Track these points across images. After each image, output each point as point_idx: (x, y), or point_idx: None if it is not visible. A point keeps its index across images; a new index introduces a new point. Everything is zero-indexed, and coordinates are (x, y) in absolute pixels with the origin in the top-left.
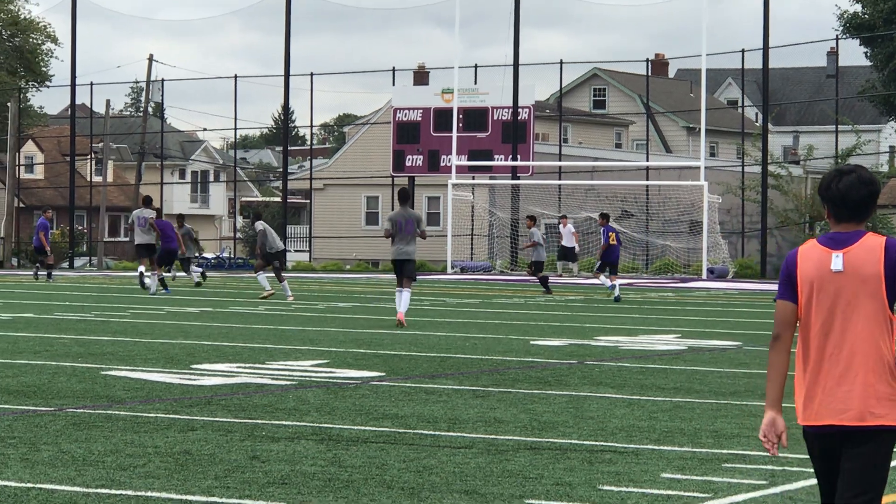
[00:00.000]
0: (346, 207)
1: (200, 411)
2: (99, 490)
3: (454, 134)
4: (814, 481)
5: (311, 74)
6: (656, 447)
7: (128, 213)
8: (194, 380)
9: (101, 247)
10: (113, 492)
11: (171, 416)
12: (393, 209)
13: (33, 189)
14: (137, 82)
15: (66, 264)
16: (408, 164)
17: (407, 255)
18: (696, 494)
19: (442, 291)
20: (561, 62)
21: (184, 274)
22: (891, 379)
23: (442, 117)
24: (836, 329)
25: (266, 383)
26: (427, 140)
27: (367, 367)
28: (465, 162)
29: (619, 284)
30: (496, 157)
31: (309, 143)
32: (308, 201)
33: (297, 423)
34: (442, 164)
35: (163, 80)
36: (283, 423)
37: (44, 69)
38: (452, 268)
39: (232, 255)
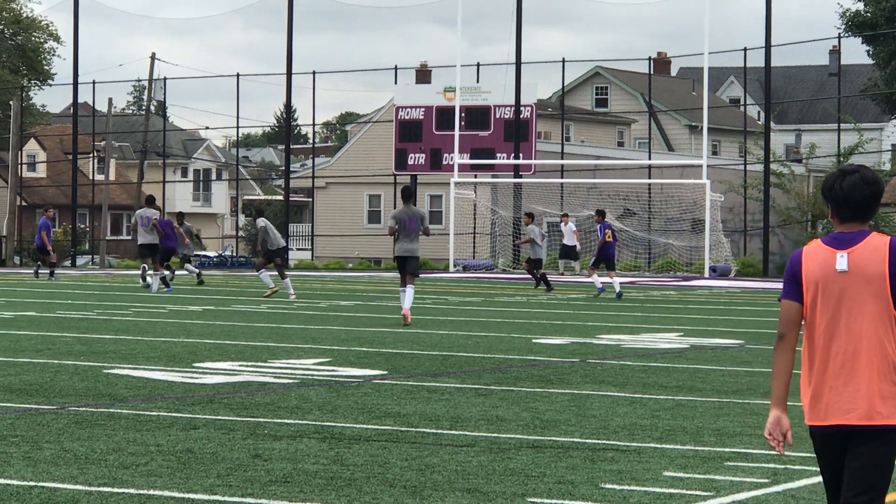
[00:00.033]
0: (348, 206)
1: (202, 410)
2: (101, 488)
3: (456, 132)
4: (816, 479)
5: (314, 73)
6: (658, 445)
7: (130, 211)
8: (196, 378)
9: (104, 245)
10: (115, 490)
11: (174, 414)
12: (395, 208)
13: (35, 187)
14: (140, 81)
15: (68, 263)
16: (410, 162)
17: (411, 253)
18: (698, 493)
19: (444, 290)
20: (563, 60)
21: (184, 272)
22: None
23: (444, 116)
24: (841, 329)
25: (268, 382)
26: (429, 138)
27: (369, 365)
28: (467, 160)
29: (621, 282)
30: (498, 155)
31: (311, 141)
32: (310, 200)
33: (300, 422)
34: (444, 163)
35: (165, 79)
36: (286, 421)
37: (46, 68)
38: (455, 266)
39: (234, 254)
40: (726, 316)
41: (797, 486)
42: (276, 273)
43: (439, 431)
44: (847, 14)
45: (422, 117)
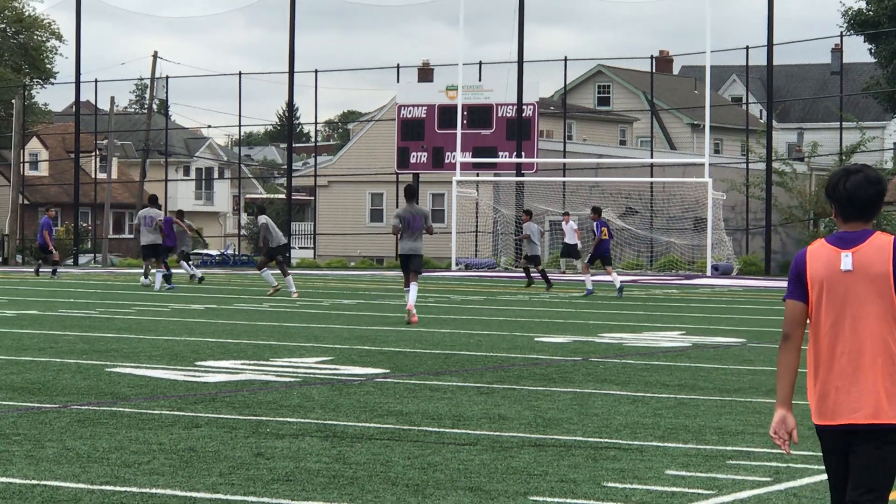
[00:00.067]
0: (350, 204)
1: (205, 408)
2: (103, 487)
3: (458, 131)
4: (818, 478)
5: (316, 71)
6: (661, 444)
7: (132, 210)
8: (199, 377)
9: (106, 244)
10: (117, 488)
11: (176, 412)
12: (397, 206)
13: (38, 186)
14: (142, 79)
15: (70, 261)
16: (412, 161)
17: (415, 251)
18: (700, 491)
19: (446, 288)
20: (565, 59)
21: (181, 271)
22: None
23: (446, 114)
24: (846, 328)
25: (270, 380)
26: (431, 137)
27: (371, 363)
28: (469, 159)
29: (623, 280)
30: (500, 153)
31: (313, 139)
32: (312, 198)
33: (302, 420)
34: (446, 161)
35: (167, 77)
36: (288, 419)
37: (48, 66)
38: (457, 265)
39: (236, 252)
40: (728, 314)
41: (799, 484)
42: (279, 271)
43: (441, 430)
44: (849, 12)
45: (424, 116)
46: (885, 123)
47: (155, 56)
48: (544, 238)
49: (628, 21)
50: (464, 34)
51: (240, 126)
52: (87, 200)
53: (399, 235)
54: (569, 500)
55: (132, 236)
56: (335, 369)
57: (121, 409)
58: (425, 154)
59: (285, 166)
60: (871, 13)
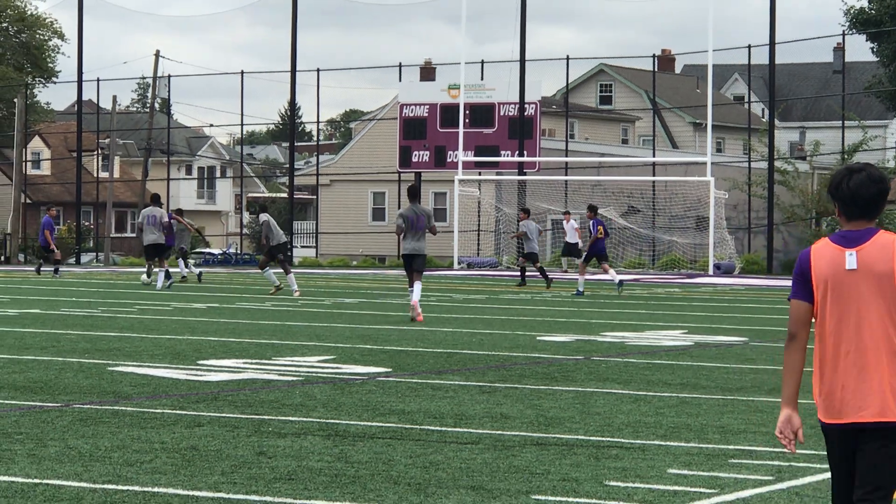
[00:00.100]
0: (352, 203)
1: (207, 407)
2: (105, 486)
3: (461, 130)
4: (820, 477)
5: (318, 70)
6: (663, 443)
7: (134, 208)
8: (201, 376)
9: (108, 243)
10: (119, 487)
11: (178, 411)
12: (400, 205)
13: (40, 185)
14: (144, 78)
15: (72, 260)
16: (414, 159)
17: (418, 251)
18: (702, 490)
19: (448, 287)
20: (567, 58)
21: (178, 269)
22: None
23: (448, 113)
24: (851, 326)
25: (272, 379)
26: (433, 136)
27: (373, 362)
28: (471, 158)
29: (624, 279)
30: (503, 152)
31: (315, 138)
32: (314, 197)
33: (304, 419)
34: (448, 160)
35: (169, 76)
36: (290, 418)
37: (50, 65)
38: (459, 263)
39: (238, 251)
40: (730, 313)
41: (801, 483)
42: (281, 270)
43: (443, 429)
44: (851, 11)
45: (426, 114)
46: (887, 122)
47: (157, 55)
48: (544, 237)
49: (630, 20)
50: (466, 33)
51: (242, 125)
52: (89, 199)
53: (402, 235)
54: (571, 499)
55: (134, 235)
56: (337, 368)
57: (123, 408)
58: (427, 153)
59: (287, 165)
60: (873, 12)
